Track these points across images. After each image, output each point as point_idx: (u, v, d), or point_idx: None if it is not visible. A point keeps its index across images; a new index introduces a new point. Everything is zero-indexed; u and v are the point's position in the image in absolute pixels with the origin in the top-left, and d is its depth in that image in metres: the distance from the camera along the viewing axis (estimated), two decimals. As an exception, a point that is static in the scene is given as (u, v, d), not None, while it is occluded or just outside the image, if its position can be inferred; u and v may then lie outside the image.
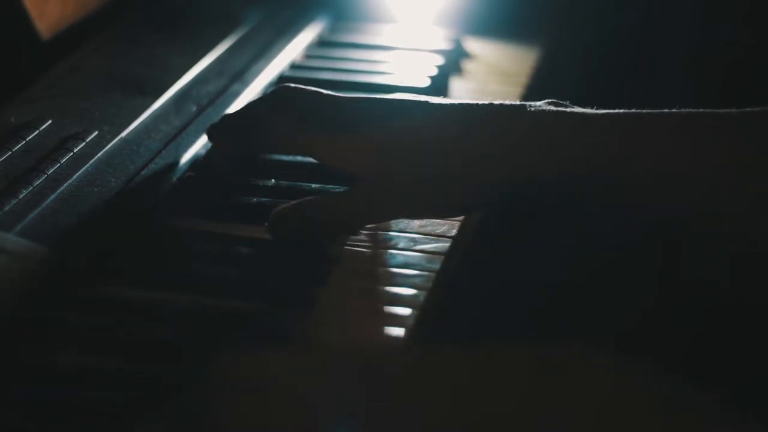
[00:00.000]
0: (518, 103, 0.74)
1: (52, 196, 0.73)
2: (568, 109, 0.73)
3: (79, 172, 0.76)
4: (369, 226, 0.76)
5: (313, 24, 1.06)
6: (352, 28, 1.09)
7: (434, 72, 0.99)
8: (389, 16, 1.11)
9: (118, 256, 0.71)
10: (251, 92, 0.92)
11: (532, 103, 0.74)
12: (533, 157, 0.73)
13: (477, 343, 0.56)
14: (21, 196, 0.72)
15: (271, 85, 0.96)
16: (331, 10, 1.10)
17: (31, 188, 0.73)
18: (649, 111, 0.73)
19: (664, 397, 0.53)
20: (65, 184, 0.75)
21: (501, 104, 0.74)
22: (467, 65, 1.06)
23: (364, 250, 0.75)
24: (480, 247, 0.78)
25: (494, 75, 1.05)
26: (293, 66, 1.00)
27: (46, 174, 0.75)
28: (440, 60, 1.01)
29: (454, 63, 1.04)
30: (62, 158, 0.77)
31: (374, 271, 0.73)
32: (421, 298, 0.70)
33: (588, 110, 0.73)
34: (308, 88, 0.78)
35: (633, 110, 0.73)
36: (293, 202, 0.74)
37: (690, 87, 1.25)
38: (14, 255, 0.65)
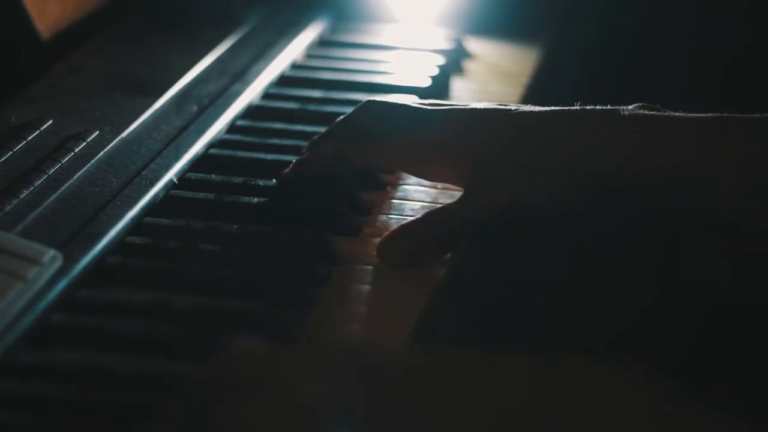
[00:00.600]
0: (609, 108, 0.74)
1: (53, 196, 0.73)
2: (641, 111, 0.73)
3: (80, 172, 0.76)
4: (368, 225, 0.76)
5: (314, 24, 1.06)
6: (353, 28, 1.09)
7: (435, 72, 0.99)
8: (390, 16, 1.11)
9: (118, 256, 0.71)
10: (252, 92, 0.92)
11: (625, 108, 0.73)
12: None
13: (477, 343, 0.56)
14: (22, 196, 0.72)
15: (272, 85, 0.96)
16: (332, 10, 1.10)
17: (32, 188, 0.73)
18: (660, 113, 0.73)
19: (664, 397, 0.53)
20: (66, 184, 0.75)
21: (592, 109, 0.74)
22: (468, 65, 1.06)
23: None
24: (480, 247, 0.78)
25: (495, 75, 1.05)
26: (294, 66, 1.00)
27: (47, 174, 0.75)
28: (441, 60, 1.01)
29: (455, 63, 1.04)
30: (63, 158, 0.77)
31: (374, 271, 0.73)
32: (421, 298, 0.70)
33: (643, 112, 0.73)
34: (394, 102, 0.78)
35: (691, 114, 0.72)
36: (397, 226, 0.74)
37: (690, 87, 1.25)
38: (15, 255, 0.64)
